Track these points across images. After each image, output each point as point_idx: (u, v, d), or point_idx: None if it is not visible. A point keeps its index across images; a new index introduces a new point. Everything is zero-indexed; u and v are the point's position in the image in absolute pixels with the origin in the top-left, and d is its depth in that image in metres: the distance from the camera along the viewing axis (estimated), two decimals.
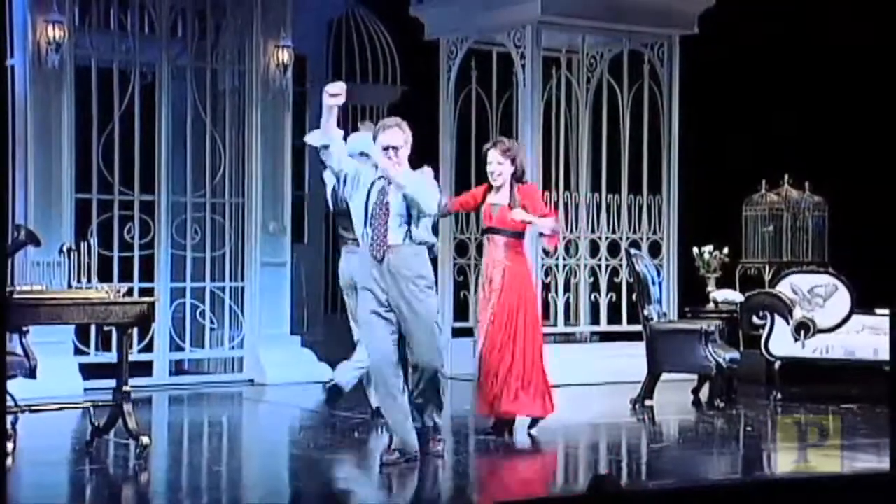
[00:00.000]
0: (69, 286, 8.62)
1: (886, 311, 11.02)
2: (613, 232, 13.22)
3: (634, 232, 13.26)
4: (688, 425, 10.66)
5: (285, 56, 12.75)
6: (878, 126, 9.17)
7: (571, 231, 13.05)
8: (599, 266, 13.16)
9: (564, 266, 12.99)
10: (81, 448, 8.85)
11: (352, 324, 10.06)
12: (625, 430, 10.42)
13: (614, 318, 13.15)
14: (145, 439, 8.57)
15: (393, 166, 8.28)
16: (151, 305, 8.74)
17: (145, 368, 12.02)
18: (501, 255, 9.49)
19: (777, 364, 11.63)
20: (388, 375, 8.33)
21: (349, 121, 13.51)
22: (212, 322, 12.67)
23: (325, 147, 8.30)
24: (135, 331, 9.10)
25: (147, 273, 12.25)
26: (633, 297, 12.18)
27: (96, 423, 8.73)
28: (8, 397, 7.92)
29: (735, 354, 11.33)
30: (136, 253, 12.15)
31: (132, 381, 8.78)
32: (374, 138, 8.41)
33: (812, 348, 11.54)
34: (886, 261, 7.44)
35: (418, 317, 8.28)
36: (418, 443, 8.43)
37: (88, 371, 11.47)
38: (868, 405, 11.03)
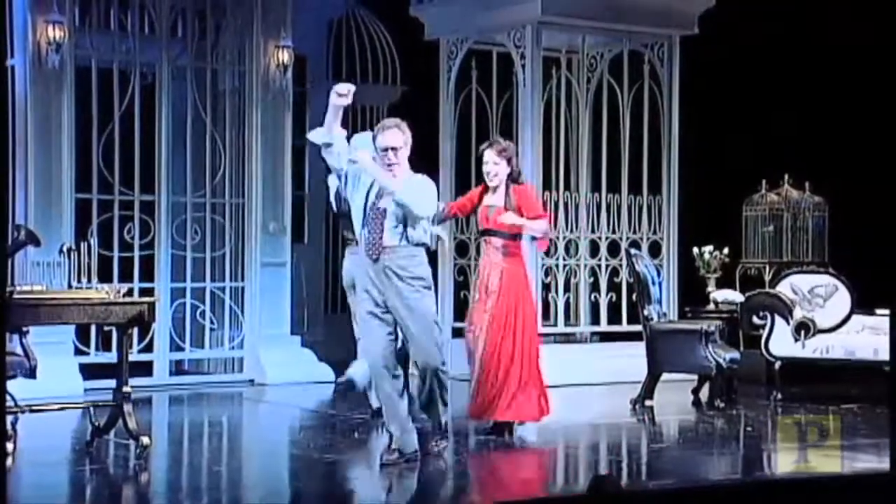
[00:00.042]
0: (69, 286, 8.62)
1: (886, 312, 11.02)
2: (613, 232, 13.23)
3: (634, 232, 13.26)
4: (688, 425, 10.66)
5: (285, 56, 12.75)
6: (878, 126, 9.16)
7: (572, 231, 13.06)
8: (599, 266, 13.17)
9: (564, 266, 12.99)
10: (81, 448, 8.85)
11: (354, 324, 10.05)
12: (625, 431, 10.42)
13: (614, 318, 13.15)
14: (145, 439, 8.57)
15: (383, 170, 8.27)
16: (151, 305, 8.74)
17: (145, 368, 12.02)
18: (499, 257, 9.49)
19: (777, 364, 11.63)
20: (385, 376, 8.34)
21: (349, 121, 13.51)
22: (212, 322, 12.67)
23: (328, 145, 8.30)
24: (135, 331, 9.10)
25: (147, 273, 12.25)
26: (634, 297, 12.18)
27: (96, 424, 8.73)
28: (8, 397, 7.93)
29: (735, 354, 11.33)
30: (137, 253, 12.15)
31: (132, 382, 8.78)
32: (374, 139, 8.41)
33: (812, 348, 11.54)
34: (886, 261, 7.43)
35: (415, 316, 8.28)
36: (421, 442, 8.43)
37: (89, 371, 11.46)
38: (868, 405, 11.03)
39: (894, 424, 7.22)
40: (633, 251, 12.06)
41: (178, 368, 12.68)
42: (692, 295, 13.12)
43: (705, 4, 13.09)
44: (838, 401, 11.29)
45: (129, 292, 10.52)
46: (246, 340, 12.68)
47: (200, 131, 12.62)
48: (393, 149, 8.28)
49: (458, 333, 12.91)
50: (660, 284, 11.74)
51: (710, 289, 12.91)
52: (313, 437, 9.76)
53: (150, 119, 12.29)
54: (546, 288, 12.88)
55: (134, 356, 10.68)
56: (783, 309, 11.59)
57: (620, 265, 13.09)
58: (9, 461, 8.06)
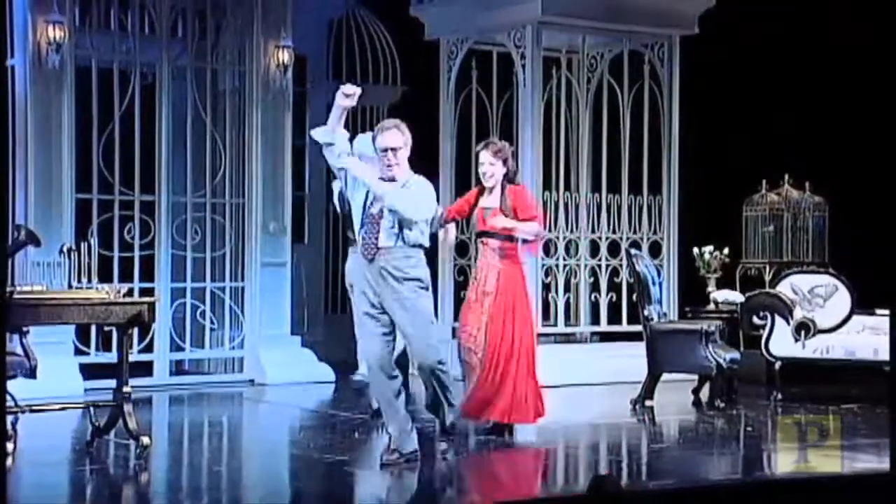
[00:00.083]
0: (69, 286, 8.62)
1: (887, 312, 11.02)
2: (614, 232, 13.23)
3: (635, 232, 13.26)
4: (688, 426, 10.66)
5: (285, 56, 12.75)
6: (878, 126, 9.16)
7: (572, 231, 13.06)
8: (600, 266, 13.17)
9: (565, 266, 12.99)
10: (82, 448, 8.85)
11: (355, 324, 10.03)
12: (625, 431, 10.42)
13: (614, 318, 13.15)
14: (145, 439, 8.57)
15: (374, 176, 8.26)
16: (152, 305, 8.74)
17: (146, 369, 12.02)
18: (496, 258, 9.47)
19: (777, 364, 11.63)
20: (381, 376, 8.34)
21: (350, 121, 13.48)
22: (212, 322, 12.67)
23: (329, 145, 8.32)
24: (135, 331, 9.10)
25: (147, 273, 12.25)
26: (634, 297, 12.18)
27: (97, 424, 8.73)
28: (8, 397, 7.93)
29: (735, 355, 11.33)
30: (137, 253, 12.15)
31: (132, 382, 8.78)
32: (373, 140, 8.41)
33: (812, 348, 11.54)
34: (887, 261, 7.43)
35: (411, 317, 8.25)
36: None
37: (89, 371, 11.46)
38: (868, 405, 11.03)
39: (894, 424, 7.22)
40: (633, 251, 12.06)
41: (178, 368, 12.68)
42: (692, 295, 13.13)
43: (705, 4, 13.09)
44: (838, 401, 11.29)
45: (130, 292, 10.52)
46: (246, 340, 12.68)
47: (200, 131, 12.62)
48: (392, 149, 8.28)
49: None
50: (660, 284, 11.74)
51: (710, 289, 12.92)
52: (313, 438, 9.76)
53: (151, 119, 12.30)
54: (546, 288, 12.88)
55: (134, 356, 10.69)
56: (783, 309, 11.59)
57: (621, 265, 13.09)
58: (9, 461, 8.06)
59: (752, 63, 13.89)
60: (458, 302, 13.09)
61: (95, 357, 11.76)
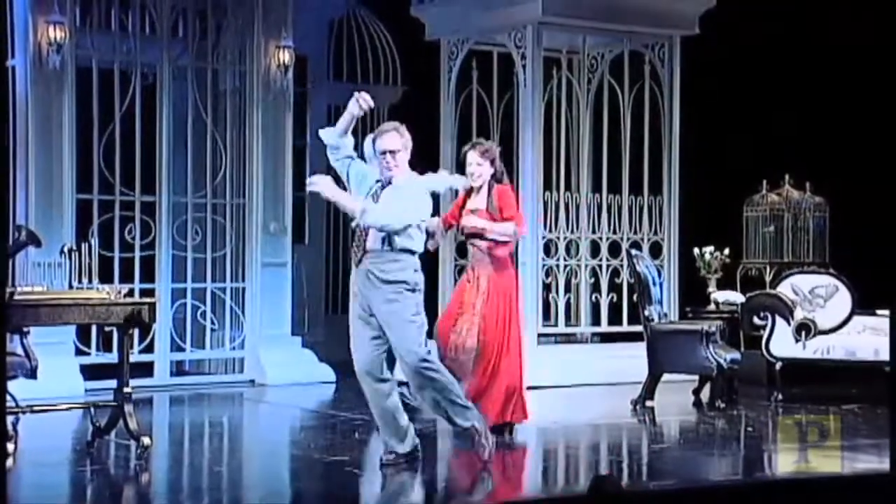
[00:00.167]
0: (70, 287, 8.62)
1: (887, 312, 11.01)
2: (614, 232, 13.23)
3: (635, 232, 13.26)
4: (689, 426, 10.66)
5: (286, 56, 12.76)
6: (879, 126, 9.16)
7: (572, 231, 13.06)
8: (600, 266, 13.17)
9: (565, 266, 12.99)
10: (82, 449, 8.85)
11: None
12: (625, 431, 10.42)
13: (615, 318, 13.15)
14: (146, 440, 8.58)
15: (345, 197, 8.28)
16: (152, 306, 8.74)
17: (146, 369, 12.02)
18: (486, 260, 9.44)
19: (778, 365, 11.62)
20: (371, 379, 8.31)
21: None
22: (212, 323, 12.67)
23: (335, 148, 8.38)
24: (136, 331, 9.10)
25: (148, 274, 12.26)
26: (634, 297, 12.18)
27: (97, 424, 8.73)
28: (9, 398, 7.93)
29: (736, 355, 11.33)
30: (137, 253, 12.15)
31: (133, 382, 8.78)
32: (372, 143, 8.41)
33: (813, 349, 11.54)
34: (887, 261, 7.43)
35: (389, 317, 8.19)
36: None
37: (89, 372, 11.47)
38: (869, 406, 11.03)
39: (894, 425, 7.21)
40: (633, 252, 12.06)
41: (178, 369, 12.68)
42: (693, 295, 13.13)
43: (705, 5, 13.09)
44: (839, 401, 11.29)
45: (130, 293, 10.50)
46: (246, 341, 12.68)
47: (201, 131, 12.63)
48: (391, 152, 8.27)
49: None
50: (660, 285, 11.74)
51: (710, 289, 12.92)
52: (314, 438, 9.76)
53: (151, 119, 12.30)
54: (547, 288, 12.89)
55: (135, 357, 10.69)
56: (784, 309, 11.59)
57: (621, 266, 13.09)
58: (10, 461, 8.07)
59: (752, 63, 13.89)
60: None
61: (96, 357, 11.77)
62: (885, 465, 7.98)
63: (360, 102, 8.24)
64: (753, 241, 13.65)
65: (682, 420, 10.86)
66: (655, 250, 13.22)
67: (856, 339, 11.59)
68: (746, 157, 13.60)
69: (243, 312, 12.71)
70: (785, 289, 11.83)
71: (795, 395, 11.50)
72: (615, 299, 13.16)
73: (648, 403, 11.11)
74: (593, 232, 13.18)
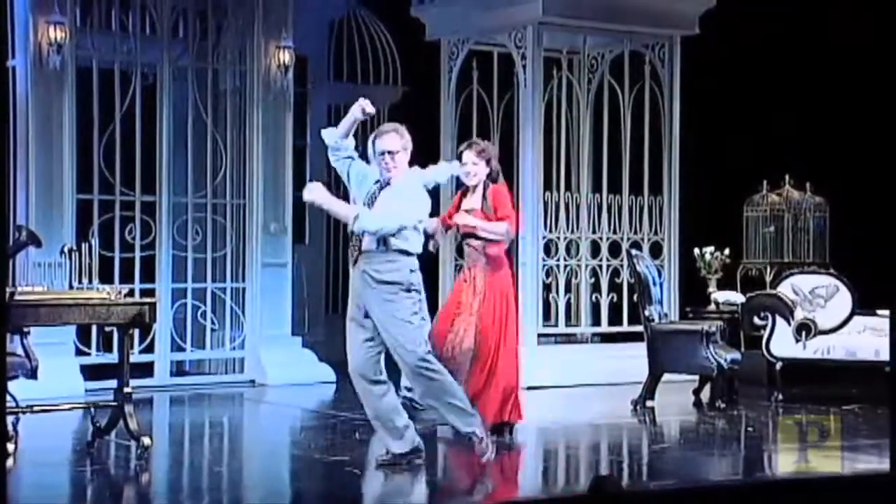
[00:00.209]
0: (70, 287, 8.63)
1: (887, 312, 11.01)
2: (615, 232, 13.23)
3: (635, 232, 13.26)
4: (689, 426, 10.67)
5: (286, 57, 12.76)
6: (879, 126, 9.15)
7: (573, 231, 13.06)
8: (600, 266, 13.17)
9: (566, 266, 12.99)
10: (82, 449, 8.85)
11: None
12: (626, 431, 10.42)
13: (615, 318, 13.15)
14: (146, 440, 8.58)
15: (338, 203, 8.31)
16: (152, 306, 8.74)
17: (146, 369, 12.02)
18: (482, 260, 9.43)
19: (778, 365, 11.62)
20: (364, 381, 8.30)
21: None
22: (213, 323, 12.67)
23: (336, 150, 8.39)
24: (136, 332, 9.10)
25: (148, 274, 12.26)
26: (635, 297, 12.18)
27: (97, 424, 8.73)
28: (9, 398, 7.93)
29: (736, 355, 11.33)
30: (137, 254, 12.15)
31: (133, 382, 8.78)
32: (372, 143, 8.42)
33: (813, 349, 11.54)
34: (887, 261, 7.43)
35: (385, 318, 8.18)
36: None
37: (90, 372, 11.47)
38: (869, 406, 11.03)
39: (895, 425, 7.22)
40: (634, 252, 12.07)
41: (178, 369, 12.68)
42: (693, 295, 13.13)
43: (705, 5, 13.09)
44: (839, 401, 11.29)
45: (130, 293, 10.52)
46: (247, 341, 12.68)
47: (201, 132, 12.63)
48: (390, 153, 8.27)
49: None
50: (661, 285, 11.74)
51: (711, 289, 12.92)
52: (314, 438, 9.76)
53: (152, 119, 12.30)
54: (547, 288, 12.89)
55: (135, 357, 10.70)
56: (784, 310, 11.59)
57: (621, 266, 13.09)
58: (10, 462, 8.07)
59: (752, 63, 13.89)
60: None
61: (96, 358, 11.77)
62: (885, 465, 7.99)
63: (364, 108, 8.27)
64: (754, 241, 13.65)
65: (683, 420, 10.86)
66: (656, 250, 13.22)
67: (856, 339, 11.59)
68: (746, 157, 13.60)
69: (243, 312, 12.71)
70: (785, 289, 11.83)
71: (796, 396, 11.50)
72: (615, 299, 13.16)
73: (649, 403, 11.11)
74: (593, 232, 13.18)
